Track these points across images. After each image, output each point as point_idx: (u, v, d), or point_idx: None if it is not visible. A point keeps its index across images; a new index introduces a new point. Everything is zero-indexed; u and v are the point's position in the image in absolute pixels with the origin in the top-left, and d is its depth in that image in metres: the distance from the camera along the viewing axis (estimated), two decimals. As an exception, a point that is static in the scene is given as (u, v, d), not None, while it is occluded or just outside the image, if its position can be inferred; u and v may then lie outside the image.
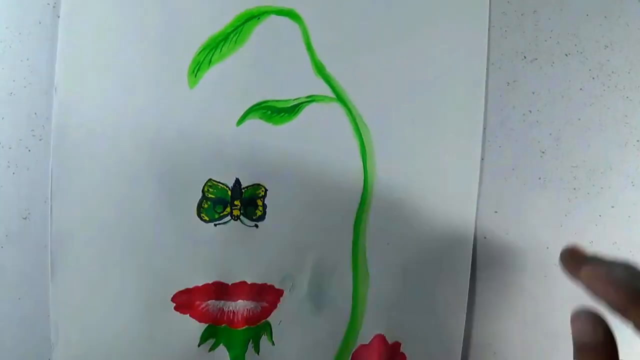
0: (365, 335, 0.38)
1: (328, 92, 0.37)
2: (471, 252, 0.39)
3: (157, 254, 0.36)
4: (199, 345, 0.37)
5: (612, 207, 0.41)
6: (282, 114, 0.36)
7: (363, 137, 0.37)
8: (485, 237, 0.40)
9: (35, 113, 0.35)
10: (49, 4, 0.35)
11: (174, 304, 0.36)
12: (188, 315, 0.36)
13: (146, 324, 0.36)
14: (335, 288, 0.38)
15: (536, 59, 0.40)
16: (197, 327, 0.37)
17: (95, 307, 0.36)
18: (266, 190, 0.37)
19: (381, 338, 0.38)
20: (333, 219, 0.37)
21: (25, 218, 0.36)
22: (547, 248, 0.40)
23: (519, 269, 0.40)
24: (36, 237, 0.36)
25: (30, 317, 0.36)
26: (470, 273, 0.39)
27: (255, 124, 0.36)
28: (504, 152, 0.40)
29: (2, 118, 0.35)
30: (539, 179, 0.40)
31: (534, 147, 0.40)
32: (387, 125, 0.37)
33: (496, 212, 0.40)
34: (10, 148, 0.35)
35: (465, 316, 0.39)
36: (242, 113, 0.36)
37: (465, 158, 0.38)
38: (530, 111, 0.40)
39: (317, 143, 0.37)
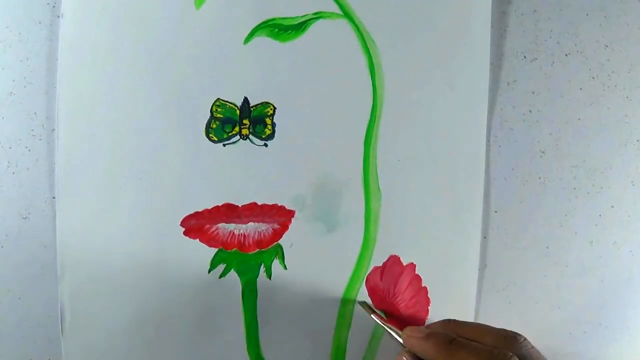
0: (380, 256, 0.38)
1: (335, 8, 0.37)
2: (484, 163, 0.39)
3: (165, 176, 0.36)
4: (209, 272, 0.36)
5: (612, 207, 0.41)
6: (290, 31, 0.36)
7: (371, 53, 0.37)
8: (485, 237, 0.40)
9: (35, 113, 0.35)
10: (48, 4, 0.35)
11: (183, 229, 0.36)
12: (197, 240, 0.36)
13: (155, 251, 0.36)
14: (347, 207, 0.37)
15: (536, 59, 0.40)
16: (207, 253, 0.36)
17: (102, 234, 0.35)
18: (275, 108, 0.37)
19: (396, 259, 0.38)
20: (343, 136, 0.37)
21: (25, 218, 0.36)
22: (547, 248, 0.40)
23: (519, 268, 0.40)
24: (36, 237, 0.36)
25: (30, 316, 0.36)
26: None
27: (263, 41, 0.36)
28: (504, 152, 0.40)
29: (2, 118, 0.35)
30: (539, 179, 0.40)
31: (534, 147, 0.40)
32: (394, 41, 0.37)
33: (496, 212, 0.40)
34: (10, 148, 0.35)
35: (479, 239, 0.39)
36: (249, 31, 0.36)
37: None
38: (530, 111, 0.40)
39: (326, 60, 0.37)
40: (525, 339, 0.32)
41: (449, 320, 0.35)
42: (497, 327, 0.33)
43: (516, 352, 0.30)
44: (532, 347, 0.32)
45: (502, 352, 0.29)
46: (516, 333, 0.32)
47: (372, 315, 0.37)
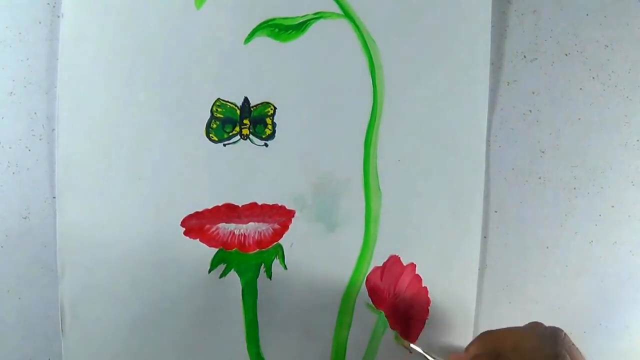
0: (380, 256, 0.38)
1: (335, 8, 0.37)
2: (484, 163, 0.39)
3: (165, 177, 0.36)
4: (209, 272, 0.37)
5: (612, 207, 0.41)
6: (290, 31, 0.36)
7: (371, 53, 0.37)
8: (485, 237, 0.40)
9: (35, 113, 0.35)
10: (49, 4, 0.35)
11: (184, 229, 0.36)
12: (198, 240, 0.36)
13: (155, 250, 0.36)
14: (347, 207, 0.38)
15: (536, 59, 0.40)
16: (207, 253, 0.36)
17: (102, 234, 0.35)
18: (275, 108, 0.37)
19: (396, 259, 0.38)
20: (343, 136, 0.37)
21: (25, 218, 0.36)
22: (547, 248, 0.40)
23: (519, 268, 0.40)
24: (36, 236, 0.36)
25: (30, 316, 0.36)
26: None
27: (263, 41, 0.36)
28: (504, 152, 0.40)
29: (2, 118, 0.35)
30: (539, 178, 0.40)
31: (534, 147, 0.40)
32: (395, 41, 0.37)
33: (496, 212, 0.40)
34: (10, 148, 0.35)
35: (479, 239, 0.39)
36: (249, 31, 0.36)
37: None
38: (530, 111, 0.40)
39: (326, 60, 0.37)
40: (565, 335, 0.31)
41: (485, 333, 0.34)
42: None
43: (560, 353, 0.30)
44: (572, 344, 0.31)
45: None
46: (554, 329, 0.32)
47: (412, 345, 0.37)
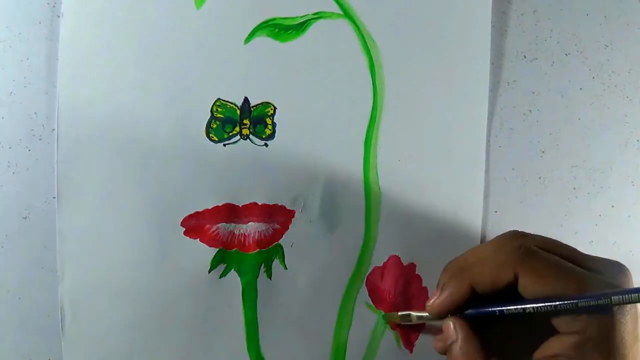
0: (380, 256, 0.38)
1: (335, 8, 0.37)
2: (484, 163, 0.39)
3: (165, 176, 0.36)
4: (209, 272, 0.36)
5: (612, 207, 0.41)
6: (290, 31, 0.36)
7: (372, 53, 0.37)
8: (485, 237, 0.40)
9: (35, 113, 0.35)
10: (48, 3, 0.35)
11: (184, 229, 0.36)
12: (198, 240, 0.36)
13: (155, 250, 0.36)
14: (347, 207, 0.37)
15: (536, 59, 0.40)
16: (207, 252, 0.36)
17: (102, 235, 0.35)
18: (275, 108, 0.37)
19: (396, 259, 0.38)
20: (343, 136, 0.37)
21: (25, 218, 0.36)
22: (547, 248, 0.40)
23: (519, 268, 0.40)
24: (36, 237, 0.36)
25: (30, 317, 0.36)
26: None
27: (263, 41, 0.36)
28: (504, 152, 0.40)
29: (2, 118, 0.35)
30: (539, 178, 0.40)
31: (534, 147, 0.40)
32: (395, 41, 0.37)
33: (496, 212, 0.40)
34: (10, 148, 0.35)
35: (479, 239, 0.39)
36: (249, 31, 0.36)
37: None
38: (530, 111, 0.40)
39: (326, 60, 0.37)
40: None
41: (450, 262, 0.35)
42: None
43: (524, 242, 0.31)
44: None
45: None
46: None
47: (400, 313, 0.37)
